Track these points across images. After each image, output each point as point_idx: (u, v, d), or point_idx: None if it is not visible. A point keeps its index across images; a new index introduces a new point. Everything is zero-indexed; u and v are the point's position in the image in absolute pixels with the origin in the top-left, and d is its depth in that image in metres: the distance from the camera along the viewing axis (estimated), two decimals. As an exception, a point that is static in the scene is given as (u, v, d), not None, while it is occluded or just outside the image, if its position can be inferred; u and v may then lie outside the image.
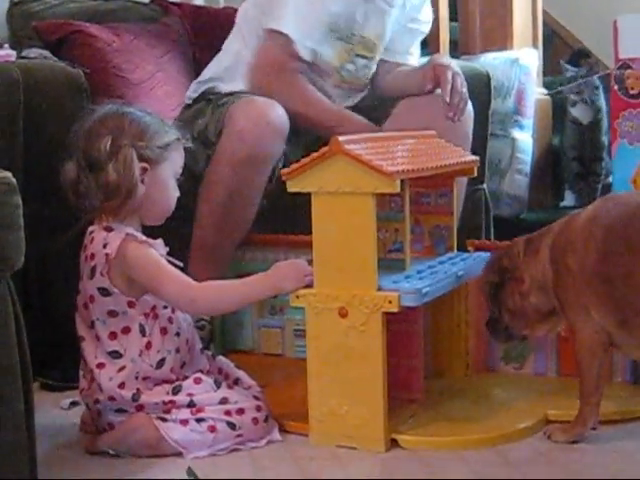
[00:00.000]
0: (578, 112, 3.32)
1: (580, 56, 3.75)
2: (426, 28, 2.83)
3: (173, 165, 2.04)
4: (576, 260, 1.90)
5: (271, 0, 2.58)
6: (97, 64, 2.80)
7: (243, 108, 2.38)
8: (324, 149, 1.92)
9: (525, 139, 3.37)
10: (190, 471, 1.73)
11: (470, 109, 2.62)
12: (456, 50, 3.63)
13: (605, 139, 3.26)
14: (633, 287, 1.84)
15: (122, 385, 1.94)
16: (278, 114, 2.40)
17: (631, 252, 1.85)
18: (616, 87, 2.75)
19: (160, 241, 2.01)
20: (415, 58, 2.81)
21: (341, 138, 1.92)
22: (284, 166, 2.39)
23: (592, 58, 3.39)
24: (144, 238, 1.97)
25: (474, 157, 2.31)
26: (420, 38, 2.83)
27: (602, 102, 3.28)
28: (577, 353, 1.97)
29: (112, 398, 1.94)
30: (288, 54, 2.53)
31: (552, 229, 2.00)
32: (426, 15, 2.81)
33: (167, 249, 2.03)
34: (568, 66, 3.38)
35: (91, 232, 1.99)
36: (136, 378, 1.95)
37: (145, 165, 1.97)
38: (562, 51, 4.39)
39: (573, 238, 1.93)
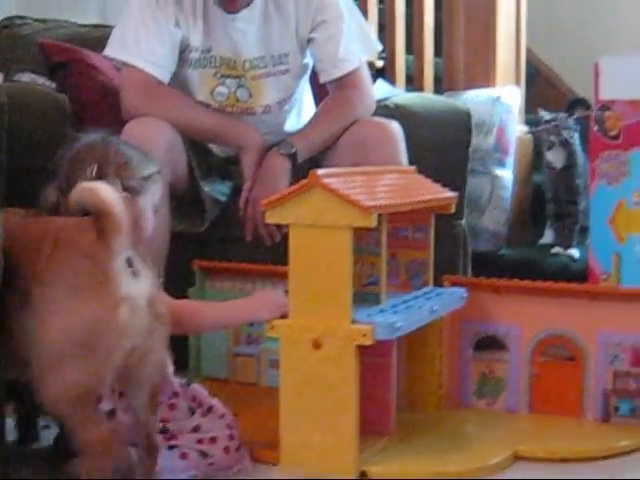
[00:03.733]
0: (553, 156, 3.32)
1: (577, 104, 3.75)
2: (337, 23, 2.61)
3: (152, 197, 2.05)
4: None
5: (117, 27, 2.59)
6: (93, 97, 2.83)
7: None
8: (303, 182, 1.95)
9: (505, 176, 3.38)
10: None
11: (395, 128, 2.57)
12: (440, 86, 3.65)
13: (580, 182, 3.27)
14: None
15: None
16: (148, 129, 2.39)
17: None
18: (596, 128, 2.77)
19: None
20: (351, 61, 2.63)
21: (320, 171, 1.95)
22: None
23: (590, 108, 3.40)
24: None
25: (452, 194, 2.32)
26: (341, 37, 2.61)
27: (577, 145, 3.29)
28: None
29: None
30: (141, 77, 2.52)
31: None
32: (328, 11, 2.61)
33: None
34: (544, 112, 3.40)
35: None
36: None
37: (127, 195, 1.99)
38: (545, 90, 4.43)
39: None
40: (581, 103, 3.51)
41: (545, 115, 3.38)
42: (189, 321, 2.05)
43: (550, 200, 3.38)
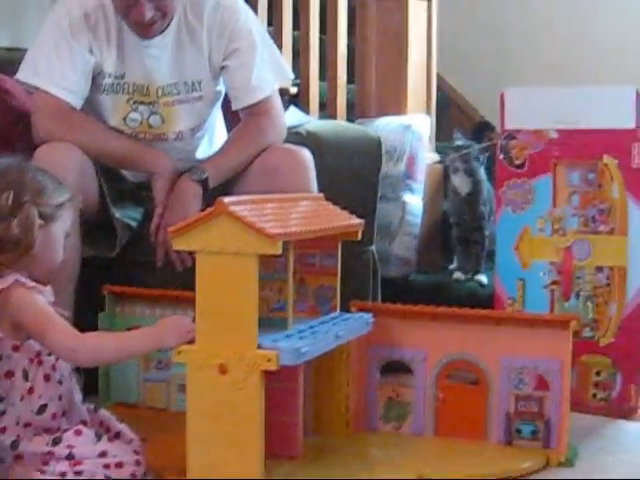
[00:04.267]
0: (458, 182, 3.37)
1: (484, 128, 3.80)
2: (250, 51, 2.64)
3: (64, 224, 2.05)
4: None
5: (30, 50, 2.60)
6: (4, 120, 2.80)
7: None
8: (209, 209, 1.95)
9: (415, 202, 3.42)
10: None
11: (306, 155, 2.61)
12: (352, 113, 3.67)
13: (484, 209, 3.31)
14: None
15: (3, 429, 1.93)
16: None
17: None
18: (501, 157, 2.82)
19: (49, 288, 2.02)
20: (263, 89, 2.65)
21: (226, 199, 1.95)
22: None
23: (494, 132, 3.46)
24: (33, 284, 1.97)
25: (359, 221, 2.34)
26: (254, 65, 2.64)
27: (482, 173, 3.33)
28: None
29: (-9, 444, 1.95)
30: (53, 102, 2.53)
31: None
32: (240, 39, 2.63)
33: (53, 298, 2.03)
34: (459, 134, 3.45)
35: None
36: (17, 424, 1.93)
37: (41, 222, 1.98)
38: (458, 118, 4.48)
39: None
40: (487, 127, 3.58)
41: (458, 138, 3.44)
42: (96, 355, 2.01)
43: (455, 225, 3.43)
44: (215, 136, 2.82)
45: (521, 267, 2.79)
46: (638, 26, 4.11)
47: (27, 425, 1.95)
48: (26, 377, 1.96)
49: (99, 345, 2.00)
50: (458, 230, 3.41)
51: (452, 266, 3.47)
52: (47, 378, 1.98)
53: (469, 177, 3.32)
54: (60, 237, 2.05)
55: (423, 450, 2.29)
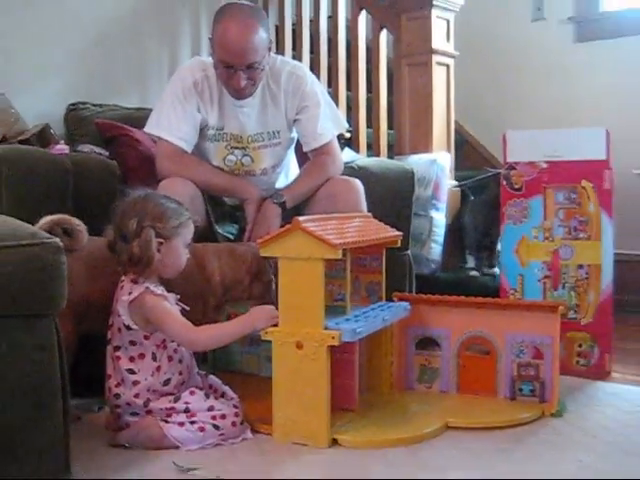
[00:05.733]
0: (477, 201, 3.37)
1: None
2: (315, 107, 2.62)
3: (184, 239, 2.04)
4: None
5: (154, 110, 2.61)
6: (135, 162, 2.83)
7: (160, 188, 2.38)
8: (288, 226, 1.96)
9: (440, 218, 3.39)
10: (175, 464, 1.78)
11: (358, 184, 2.58)
12: (392, 151, 3.65)
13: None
14: None
15: (137, 395, 1.96)
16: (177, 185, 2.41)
17: None
18: (504, 183, 2.79)
19: (172, 295, 2.02)
20: (326, 135, 2.64)
21: (300, 218, 1.96)
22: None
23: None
24: (159, 292, 1.98)
25: (398, 232, 2.33)
26: (319, 118, 2.62)
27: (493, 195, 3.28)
28: None
29: (128, 404, 1.96)
30: (171, 148, 2.53)
31: None
32: (308, 99, 2.61)
33: (178, 297, 2.04)
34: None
35: (122, 281, 2.01)
36: (147, 390, 1.96)
37: (161, 240, 1.99)
38: (471, 155, 4.44)
39: None
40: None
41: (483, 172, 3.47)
42: (208, 343, 2.04)
43: (473, 234, 3.42)
44: (290, 171, 2.81)
45: (520, 266, 2.76)
46: (609, 83, 4.05)
47: (155, 392, 1.97)
48: (154, 358, 1.98)
49: (209, 335, 2.00)
50: (475, 239, 3.39)
51: (467, 265, 3.44)
52: (170, 359, 2.00)
53: (486, 197, 3.29)
54: (180, 249, 2.04)
55: (448, 404, 2.27)
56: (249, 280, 2.22)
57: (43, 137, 2.79)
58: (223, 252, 2.25)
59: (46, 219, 1.94)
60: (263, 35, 2.46)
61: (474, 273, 3.37)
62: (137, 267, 1.97)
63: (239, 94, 2.54)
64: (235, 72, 2.45)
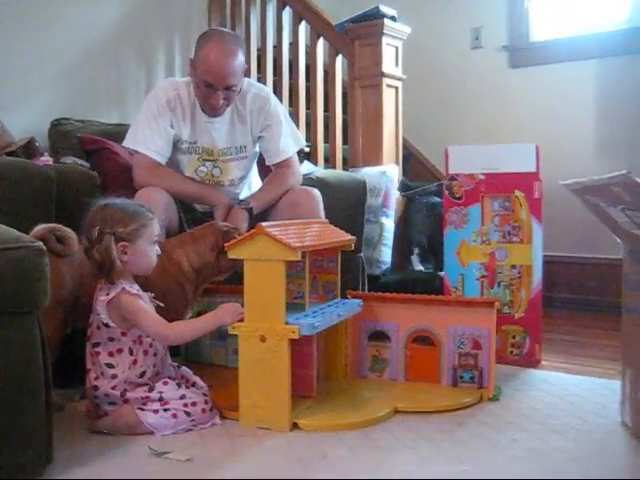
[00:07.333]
0: (423, 208, 3.36)
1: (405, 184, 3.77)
2: (278, 126, 2.63)
3: (148, 238, 1.99)
4: None
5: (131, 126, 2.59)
6: (114, 173, 2.77)
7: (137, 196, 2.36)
8: (252, 231, 1.95)
9: (389, 224, 3.40)
10: (150, 448, 1.75)
11: (316, 193, 2.58)
12: (346, 164, 3.66)
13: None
14: None
15: (114, 387, 1.93)
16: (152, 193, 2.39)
17: None
18: (446, 192, 2.80)
19: (147, 294, 1.99)
20: (287, 151, 2.64)
21: (264, 224, 1.95)
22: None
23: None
24: (135, 291, 1.94)
25: (352, 237, 2.32)
26: (281, 135, 2.63)
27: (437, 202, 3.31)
28: None
29: (107, 395, 1.93)
30: (147, 160, 2.51)
31: None
32: (271, 119, 2.62)
33: (152, 295, 2.00)
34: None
35: (100, 282, 1.98)
36: (124, 382, 1.93)
37: (125, 243, 1.94)
38: (417, 167, 4.46)
39: None
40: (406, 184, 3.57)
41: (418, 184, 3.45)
42: (180, 338, 2.01)
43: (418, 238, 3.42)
44: (252, 183, 2.80)
45: (461, 266, 2.77)
46: (538, 103, 4.10)
47: (131, 383, 1.94)
48: (131, 353, 1.95)
49: (181, 330, 1.98)
50: (420, 241, 3.40)
51: (412, 267, 3.46)
52: (146, 353, 1.97)
53: (429, 205, 3.30)
54: (146, 249, 1.99)
55: (397, 391, 2.26)
56: (215, 256, 2.19)
57: (29, 149, 2.75)
58: (185, 240, 2.25)
59: (40, 227, 1.92)
60: (242, 60, 2.48)
61: (420, 267, 3.38)
62: (102, 271, 1.94)
63: (214, 112, 2.54)
64: (215, 92, 2.46)
